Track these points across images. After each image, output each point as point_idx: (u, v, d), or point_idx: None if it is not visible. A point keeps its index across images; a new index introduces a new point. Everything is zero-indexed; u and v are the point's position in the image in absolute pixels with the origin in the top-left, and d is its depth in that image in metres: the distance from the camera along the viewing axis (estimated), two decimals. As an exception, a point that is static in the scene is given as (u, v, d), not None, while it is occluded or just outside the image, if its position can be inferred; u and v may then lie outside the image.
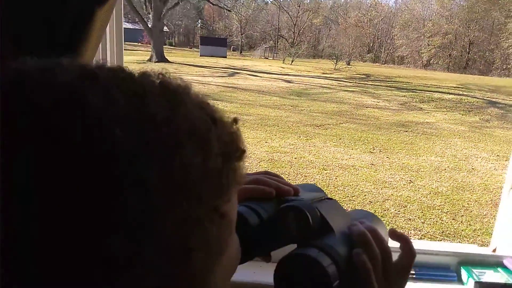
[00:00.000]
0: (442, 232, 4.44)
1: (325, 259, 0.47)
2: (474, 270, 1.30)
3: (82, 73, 0.32)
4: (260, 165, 6.04)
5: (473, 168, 6.82)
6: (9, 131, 0.28)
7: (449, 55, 54.26)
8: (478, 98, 15.95)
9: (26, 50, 0.75)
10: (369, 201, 5.03)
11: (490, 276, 1.29)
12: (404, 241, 0.56)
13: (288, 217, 0.51)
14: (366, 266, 0.49)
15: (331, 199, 0.59)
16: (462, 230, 4.48)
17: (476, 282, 1.25)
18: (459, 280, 1.31)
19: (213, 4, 44.01)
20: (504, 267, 1.34)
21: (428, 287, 1.27)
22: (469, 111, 12.99)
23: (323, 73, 26.15)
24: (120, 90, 0.32)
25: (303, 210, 0.50)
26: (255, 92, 14.38)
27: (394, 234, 0.56)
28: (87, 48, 0.77)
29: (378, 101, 14.29)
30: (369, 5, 65.22)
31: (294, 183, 0.60)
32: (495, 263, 1.35)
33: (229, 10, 51.89)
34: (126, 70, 0.36)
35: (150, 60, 23.96)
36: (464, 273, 1.30)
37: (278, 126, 9.00)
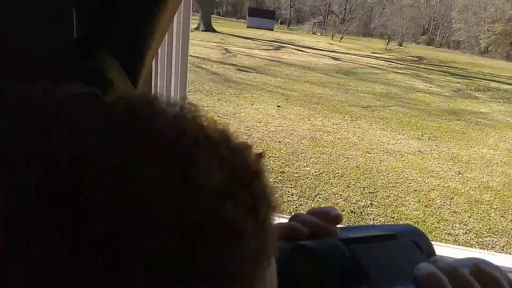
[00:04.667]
0: (489, 228, 4.21)
1: None
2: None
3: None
4: (301, 143, 5.92)
5: (528, 165, 6.40)
6: None
7: (511, 43, 50.91)
8: (539, 91, 14.90)
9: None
10: (414, 190, 4.82)
11: None
12: None
13: (296, 259, 0.39)
14: None
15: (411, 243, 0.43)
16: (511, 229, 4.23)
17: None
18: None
19: (264, -25, 43.13)
20: None
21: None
22: (528, 104, 12.16)
23: (373, 53, 25.26)
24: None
25: (315, 251, 0.38)
26: (300, 68, 14.09)
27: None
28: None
29: (430, 86, 13.63)
30: (428, -16, 61.85)
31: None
32: None
33: (280, -18, 50.71)
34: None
35: (197, 28, 23.93)
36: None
37: (322, 104, 8.77)
